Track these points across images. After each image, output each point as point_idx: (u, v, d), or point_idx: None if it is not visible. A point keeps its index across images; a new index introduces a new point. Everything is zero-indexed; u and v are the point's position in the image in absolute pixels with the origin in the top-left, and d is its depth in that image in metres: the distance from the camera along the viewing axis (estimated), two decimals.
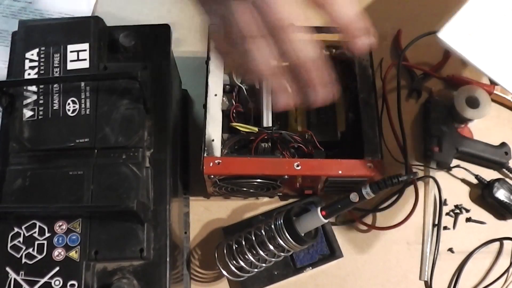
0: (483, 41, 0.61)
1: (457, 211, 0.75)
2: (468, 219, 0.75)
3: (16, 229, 0.53)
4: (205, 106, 0.66)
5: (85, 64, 0.59)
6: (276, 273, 0.69)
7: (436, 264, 0.72)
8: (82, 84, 0.58)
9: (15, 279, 0.51)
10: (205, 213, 0.74)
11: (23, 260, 0.52)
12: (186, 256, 0.71)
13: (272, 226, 0.61)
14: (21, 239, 0.52)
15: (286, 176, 0.63)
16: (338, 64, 0.74)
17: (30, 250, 0.52)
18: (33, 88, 0.58)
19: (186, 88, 0.81)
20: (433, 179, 0.75)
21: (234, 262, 0.64)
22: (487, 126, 0.80)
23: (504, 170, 0.77)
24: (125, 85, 0.58)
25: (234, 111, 0.70)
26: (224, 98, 0.68)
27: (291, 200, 0.75)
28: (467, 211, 0.76)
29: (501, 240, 0.74)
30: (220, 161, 0.62)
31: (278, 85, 0.44)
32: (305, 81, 0.44)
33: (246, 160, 0.64)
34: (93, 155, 0.56)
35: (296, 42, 0.43)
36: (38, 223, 0.53)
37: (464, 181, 0.78)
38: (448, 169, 0.77)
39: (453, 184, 0.77)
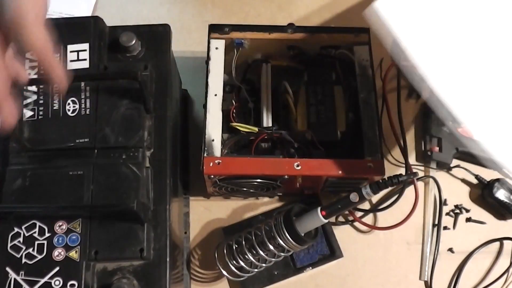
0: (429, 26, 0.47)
1: (457, 211, 0.75)
2: (468, 219, 0.75)
3: (16, 229, 0.53)
4: (205, 106, 0.66)
5: (85, 64, 0.59)
6: (276, 273, 0.69)
7: (436, 264, 0.72)
8: (82, 84, 0.58)
9: (15, 279, 0.51)
10: (205, 213, 0.74)
11: (23, 260, 0.52)
12: (186, 256, 0.71)
13: (272, 226, 0.61)
14: (21, 239, 0.52)
15: (286, 176, 0.63)
16: (338, 64, 0.74)
17: (30, 250, 0.52)
18: (33, 88, 0.58)
19: (186, 88, 0.81)
20: (433, 179, 0.75)
21: (234, 262, 0.64)
22: None
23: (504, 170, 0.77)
24: (125, 85, 0.58)
25: (234, 111, 0.70)
26: (224, 98, 0.68)
27: (291, 200, 0.75)
28: (467, 211, 0.76)
29: (501, 240, 0.74)
30: (220, 161, 0.62)
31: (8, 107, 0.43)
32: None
33: (246, 160, 0.64)
34: (93, 155, 0.56)
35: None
36: (38, 223, 0.53)
37: (464, 181, 0.78)
38: (448, 169, 0.77)
39: (453, 184, 0.77)
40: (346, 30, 0.72)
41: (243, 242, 0.64)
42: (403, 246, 0.73)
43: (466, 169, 0.77)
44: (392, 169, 0.76)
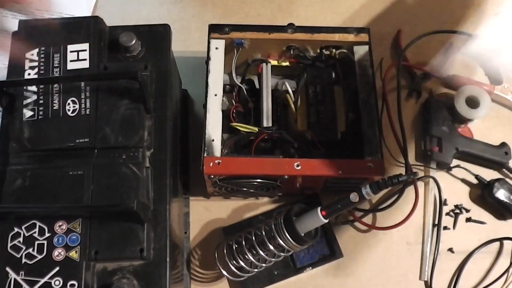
0: None
1: (457, 211, 0.75)
2: (468, 219, 0.75)
3: (16, 229, 0.53)
4: (205, 106, 0.66)
5: (85, 64, 0.59)
6: (276, 273, 0.69)
7: (436, 264, 0.72)
8: (82, 84, 0.58)
9: (15, 279, 0.51)
10: (205, 213, 0.74)
11: (23, 260, 0.52)
12: (186, 256, 0.71)
13: (272, 226, 0.61)
14: (21, 239, 0.52)
15: (286, 176, 0.63)
16: (338, 64, 0.74)
17: (30, 250, 0.52)
18: (33, 88, 0.58)
19: (186, 88, 0.81)
20: (433, 179, 0.75)
21: (234, 262, 0.64)
22: (487, 126, 0.80)
23: (504, 170, 0.77)
24: (125, 85, 0.58)
25: (234, 111, 0.70)
26: (224, 98, 0.68)
27: (291, 200, 0.75)
28: (467, 211, 0.76)
29: (501, 240, 0.74)
30: (220, 161, 0.62)
31: None
32: None
33: (246, 160, 0.64)
34: (93, 155, 0.56)
35: None
36: (38, 223, 0.53)
37: (464, 181, 0.78)
38: (448, 169, 0.77)
39: (453, 184, 0.77)
40: (346, 30, 0.72)
41: (243, 242, 0.64)
42: (403, 246, 0.73)
43: (466, 169, 0.77)
44: (392, 169, 0.76)
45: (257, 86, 0.74)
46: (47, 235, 0.52)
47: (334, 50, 0.74)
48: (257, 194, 0.72)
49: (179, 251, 0.66)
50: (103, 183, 0.54)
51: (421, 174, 0.77)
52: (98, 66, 0.59)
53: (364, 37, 0.72)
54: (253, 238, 0.63)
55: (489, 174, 0.77)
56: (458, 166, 0.77)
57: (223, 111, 0.67)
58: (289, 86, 0.72)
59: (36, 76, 0.58)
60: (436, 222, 0.74)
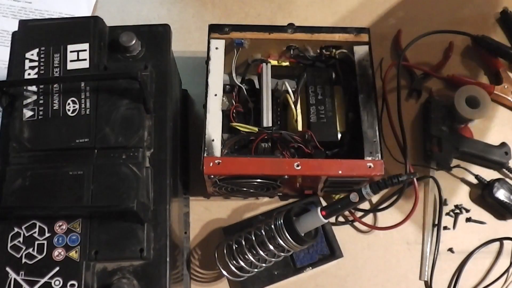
0: None
1: (457, 211, 0.75)
2: (468, 219, 0.75)
3: (16, 229, 0.53)
4: (205, 106, 0.66)
5: (85, 64, 0.59)
6: (276, 273, 0.69)
7: (436, 264, 0.72)
8: (82, 84, 0.58)
9: (15, 279, 0.51)
10: (205, 213, 0.74)
11: (23, 260, 0.52)
12: (186, 256, 0.71)
13: (272, 226, 0.61)
14: (21, 239, 0.52)
15: (286, 176, 0.63)
16: (338, 64, 0.74)
17: (30, 250, 0.52)
18: (33, 88, 0.58)
19: (186, 88, 0.81)
20: (433, 179, 0.75)
21: (234, 262, 0.64)
22: (487, 126, 0.80)
23: (504, 170, 0.77)
24: (125, 85, 0.58)
25: (234, 111, 0.70)
26: (224, 98, 0.68)
27: (291, 200, 0.75)
28: (467, 211, 0.76)
29: (501, 240, 0.74)
30: (220, 161, 0.62)
31: None
32: None
33: (246, 160, 0.64)
34: (93, 155, 0.56)
35: None
36: (38, 223, 0.53)
37: (464, 181, 0.78)
38: (448, 169, 0.77)
39: (453, 184, 0.77)
40: (346, 30, 0.72)
41: (243, 242, 0.64)
42: (403, 246, 0.73)
43: (466, 169, 0.77)
44: (392, 169, 0.76)
45: (257, 86, 0.74)
46: (47, 235, 0.52)
47: (334, 50, 0.74)
48: (257, 194, 0.72)
49: (179, 251, 0.66)
50: (103, 183, 0.54)
51: (421, 174, 0.77)
52: (98, 66, 0.59)
53: (364, 37, 0.72)
54: (253, 238, 0.63)
55: (489, 174, 0.77)
56: (458, 166, 0.77)
57: (223, 111, 0.67)
58: (289, 86, 0.72)
59: (36, 76, 0.58)
60: (436, 222, 0.74)
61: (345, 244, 0.72)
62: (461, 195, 0.77)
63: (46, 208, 0.54)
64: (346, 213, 0.74)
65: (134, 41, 0.60)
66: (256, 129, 0.68)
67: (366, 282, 0.72)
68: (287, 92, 0.72)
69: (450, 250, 0.73)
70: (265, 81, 0.72)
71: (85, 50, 0.60)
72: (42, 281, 0.51)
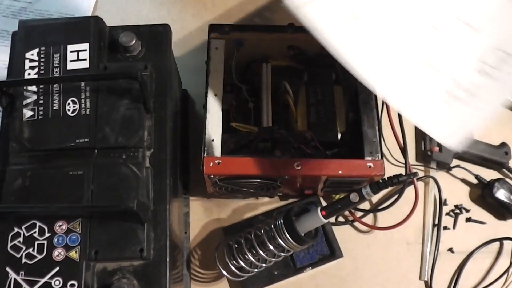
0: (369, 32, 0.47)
1: (457, 211, 0.75)
2: (468, 219, 0.75)
3: (16, 229, 0.53)
4: (205, 106, 0.66)
5: (85, 64, 0.59)
6: (276, 273, 0.69)
7: (436, 264, 0.72)
8: (82, 84, 0.58)
9: (15, 279, 0.51)
10: (205, 213, 0.74)
11: (23, 260, 0.52)
12: (186, 256, 0.71)
13: (272, 226, 0.61)
14: (21, 239, 0.52)
15: (286, 176, 0.63)
16: (338, 64, 0.74)
17: (30, 250, 0.52)
18: (33, 88, 0.58)
19: (186, 88, 0.81)
20: (433, 179, 0.75)
21: (234, 262, 0.64)
22: (487, 126, 0.80)
23: (504, 170, 0.77)
24: (125, 85, 0.58)
25: (234, 111, 0.70)
26: (224, 98, 0.68)
27: (291, 200, 0.75)
28: (467, 211, 0.76)
29: (501, 240, 0.74)
30: (220, 161, 0.62)
31: None
32: None
33: (246, 160, 0.64)
34: (93, 155, 0.56)
35: None
36: (38, 223, 0.53)
37: (464, 181, 0.78)
38: (448, 169, 0.77)
39: (453, 184, 0.77)
40: None
41: (243, 242, 0.64)
42: (403, 246, 0.73)
43: (466, 169, 0.77)
44: (392, 169, 0.76)
45: (257, 86, 0.74)
46: (47, 235, 0.52)
47: None
48: (257, 194, 0.72)
49: (179, 251, 0.66)
50: (103, 183, 0.54)
51: (421, 174, 0.77)
52: (98, 66, 0.59)
53: None
54: (253, 238, 0.63)
55: (489, 174, 0.77)
56: (458, 166, 0.77)
57: (223, 111, 0.67)
58: (289, 86, 0.72)
59: (36, 76, 0.58)
60: (436, 222, 0.74)
61: (345, 244, 0.72)
62: (461, 195, 0.77)
63: (46, 208, 0.54)
64: (346, 213, 0.74)
65: (134, 41, 0.60)
66: (256, 129, 0.68)
67: (366, 282, 0.72)
68: (287, 92, 0.72)
69: (450, 250, 0.73)
70: (265, 81, 0.72)
71: (85, 50, 0.60)
72: (42, 281, 0.51)
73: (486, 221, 0.75)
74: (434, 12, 0.53)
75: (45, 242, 0.52)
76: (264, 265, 0.64)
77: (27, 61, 0.59)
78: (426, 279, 0.72)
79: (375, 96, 0.69)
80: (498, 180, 0.75)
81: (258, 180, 0.64)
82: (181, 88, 0.78)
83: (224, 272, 0.65)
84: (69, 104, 0.57)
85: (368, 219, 0.75)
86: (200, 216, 0.74)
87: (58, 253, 0.52)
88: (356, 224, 0.74)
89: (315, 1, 0.47)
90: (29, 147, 0.56)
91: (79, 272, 0.51)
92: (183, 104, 0.79)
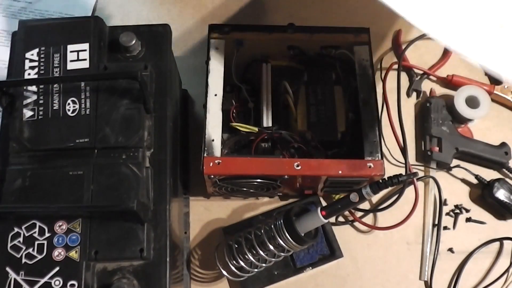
0: None
1: (457, 211, 0.75)
2: (468, 219, 0.75)
3: (16, 229, 0.53)
4: (205, 106, 0.66)
5: (85, 64, 0.59)
6: (276, 273, 0.69)
7: (436, 264, 0.72)
8: (82, 84, 0.58)
9: (15, 279, 0.51)
10: (205, 213, 0.74)
11: (23, 260, 0.52)
12: (186, 256, 0.71)
13: (272, 226, 0.61)
14: (21, 239, 0.52)
15: (286, 176, 0.63)
16: (338, 64, 0.74)
17: (30, 250, 0.52)
18: (33, 88, 0.58)
19: (186, 88, 0.81)
20: (433, 179, 0.75)
21: (234, 262, 0.64)
22: (487, 126, 0.80)
23: (504, 170, 0.77)
24: (125, 85, 0.58)
25: (234, 111, 0.70)
26: (224, 98, 0.68)
27: (291, 200, 0.75)
28: (467, 211, 0.76)
29: (501, 240, 0.74)
30: (220, 161, 0.62)
31: None
32: None
33: (246, 160, 0.64)
34: (93, 155, 0.56)
35: None
36: (38, 223, 0.53)
37: (464, 181, 0.78)
38: (448, 169, 0.77)
39: (453, 184, 0.77)
40: (346, 30, 0.72)
41: (243, 242, 0.64)
42: (403, 246, 0.73)
43: (466, 169, 0.77)
44: (392, 169, 0.76)
45: (257, 86, 0.74)
46: (47, 235, 0.52)
47: (334, 50, 0.74)
48: (257, 194, 0.72)
49: (179, 251, 0.66)
50: (103, 183, 0.54)
51: (421, 174, 0.77)
52: (98, 66, 0.59)
53: (364, 37, 0.72)
54: (253, 238, 0.63)
55: (489, 174, 0.77)
56: (458, 166, 0.77)
57: (223, 111, 0.67)
58: (289, 86, 0.72)
59: (36, 76, 0.58)
60: (436, 222, 0.74)
61: (345, 244, 0.72)
62: (461, 195, 0.77)
63: (46, 208, 0.54)
64: (346, 213, 0.74)
65: (134, 41, 0.60)
66: (256, 129, 0.68)
67: (366, 282, 0.72)
68: (287, 92, 0.72)
69: (450, 250, 0.73)
70: (265, 81, 0.72)
71: (85, 50, 0.60)
72: (42, 281, 0.51)
73: (486, 221, 0.75)
74: None
75: (45, 242, 0.52)
76: (264, 265, 0.64)
77: (27, 61, 0.59)
78: (426, 279, 0.72)
79: (375, 96, 0.69)
80: (498, 180, 0.74)
81: (258, 180, 0.64)
82: (181, 88, 0.78)
83: (224, 272, 0.65)
84: (69, 104, 0.57)
85: (368, 219, 0.75)
86: (200, 216, 0.74)
87: (58, 253, 0.52)
88: (356, 224, 0.74)
89: None
90: (29, 147, 0.56)
91: (79, 272, 0.51)
92: (183, 104, 0.79)
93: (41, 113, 0.57)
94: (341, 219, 0.75)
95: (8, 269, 0.51)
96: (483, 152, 0.77)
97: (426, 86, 0.83)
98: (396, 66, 0.81)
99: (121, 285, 0.51)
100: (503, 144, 0.78)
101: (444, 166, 0.77)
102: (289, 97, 0.72)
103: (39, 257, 0.52)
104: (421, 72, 0.84)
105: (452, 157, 0.76)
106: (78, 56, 0.59)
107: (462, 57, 0.48)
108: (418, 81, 0.83)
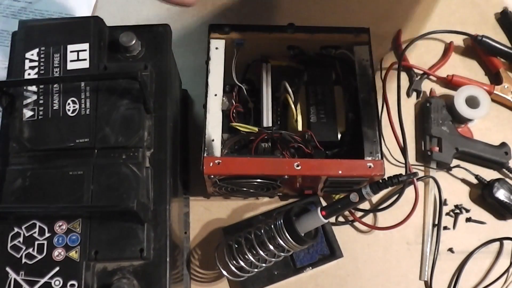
0: None
1: (457, 211, 0.75)
2: (468, 219, 0.75)
3: (16, 229, 0.53)
4: (205, 106, 0.66)
5: (85, 64, 0.59)
6: (276, 273, 0.69)
7: (436, 264, 0.72)
8: (82, 84, 0.58)
9: (15, 279, 0.51)
10: (205, 213, 0.74)
11: (23, 260, 0.52)
12: (186, 256, 0.71)
13: (272, 226, 0.61)
14: (21, 239, 0.52)
15: (286, 176, 0.63)
16: (338, 64, 0.74)
17: (30, 250, 0.52)
18: (33, 88, 0.58)
19: (186, 88, 0.81)
20: (433, 179, 0.75)
21: (234, 262, 0.64)
22: (487, 126, 0.80)
23: (504, 170, 0.77)
24: (125, 85, 0.58)
25: (234, 111, 0.70)
26: (224, 98, 0.68)
27: (291, 200, 0.75)
28: (467, 211, 0.76)
29: (501, 240, 0.74)
30: (220, 161, 0.62)
31: None
32: None
33: (246, 160, 0.64)
34: (93, 155, 0.56)
35: None
36: (38, 223, 0.53)
37: (464, 181, 0.78)
38: (448, 169, 0.77)
39: (453, 184, 0.77)
40: (346, 30, 0.72)
41: (243, 242, 0.64)
42: (403, 246, 0.73)
43: (466, 169, 0.77)
44: (392, 169, 0.76)
45: (257, 86, 0.74)
46: (47, 235, 0.52)
47: (334, 50, 0.74)
48: (257, 194, 0.72)
49: (179, 251, 0.66)
50: (103, 183, 0.54)
51: (421, 174, 0.77)
52: (98, 66, 0.59)
53: (364, 37, 0.72)
54: (253, 238, 0.63)
55: (489, 174, 0.77)
56: (458, 166, 0.77)
57: (223, 111, 0.67)
58: (289, 86, 0.72)
59: (36, 76, 0.58)
60: (436, 222, 0.74)
61: (345, 244, 0.72)
62: (461, 195, 0.77)
63: (46, 208, 0.54)
64: (346, 213, 0.74)
65: (134, 41, 0.60)
66: (256, 129, 0.68)
67: (366, 282, 0.72)
68: (287, 92, 0.72)
69: (450, 250, 0.73)
70: (265, 81, 0.72)
71: (85, 50, 0.60)
72: (42, 281, 0.51)
73: (486, 221, 0.75)
74: None
75: (45, 242, 0.52)
76: (264, 265, 0.64)
77: (27, 61, 0.59)
78: (426, 279, 0.72)
79: (375, 96, 0.69)
80: (498, 180, 0.74)
81: (258, 180, 0.64)
82: (181, 88, 0.78)
83: (224, 272, 0.65)
84: (69, 104, 0.57)
85: (368, 219, 0.75)
86: (200, 216, 0.74)
87: (58, 253, 0.52)
88: (356, 224, 0.74)
89: None
90: (29, 147, 0.56)
91: (79, 272, 0.51)
92: (183, 104, 0.79)
93: (41, 113, 0.57)
94: (341, 219, 0.75)
95: (8, 269, 0.51)
96: (483, 152, 0.77)
97: (426, 86, 0.83)
98: (396, 66, 0.81)
99: (121, 285, 0.51)
100: (503, 144, 0.78)
101: (444, 166, 0.77)
102: (289, 97, 0.72)
103: (39, 257, 0.52)
104: (421, 72, 0.84)
105: (452, 157, 0.76)
106: (78, 56, 0.59)
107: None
108: (418, 81, 0.83)
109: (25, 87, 0.58)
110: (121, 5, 0.89)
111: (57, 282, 0.51)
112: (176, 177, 0.62)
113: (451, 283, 0.72)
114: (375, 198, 0.76)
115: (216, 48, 0.70)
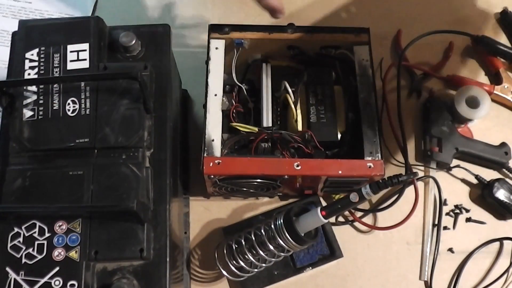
0: None
1: (457, 211, 0.75)
2: (468, 219, 0.75)
3: (16, 229, 0.53)
4: (205, 106, 0.66)
5: (85, 64, 0.59)
6: (276, 273, 0.69)
7: (436, 264, 0.72)
8: (82, 84, 0.58)
9: (15, 279, 0.51)
10: (205, 213, 0.74)
11: (23, 260, 0.52)
12: (186, 256, 0.71)
13: (272, 226, 0.61)
14: (21, 239, 0.52)
15: (286, 176, 0.63)
16: (338, 64, 0.74)
17: (30, 250, 0.52)
18: (33, 88, 0.58)
19: (186, 88, 0.81)
20: (433, 179, 0.75)
21: (234, 262, 0.64)
22: (487, 126, 0.80)
23: (504, 170, 0.77)
24: (125, 85, 0.58)
25: (234, 111, 0.70)
26: (224, 98, 0.68)
27: (291, 200, 0.75)
28: (467, 211, 0.76)
29: (501, 240, 0.74)
30: (220, 161, 0.62)
31: None
32: None
33: (246, 160, 0.64)
34: (93, 155, 0.56)
35: None
36: (38, 223, 0.53)
37: (464, 181, 0.78)
38: (448, 169, 0.77)
39: (453, 184, 0.77)
40: (346, 30, 0.72)
41: (243, 242, 0.64)
42: (403, 246, 0.73)
43: (466, 169, 0.77)
44: (392, 169, 0.76)
45: (257, 86, 0.74)
46: (47, 235, 0.52)
47: (334, 50, 0.74)
48: (257, 194, 0.72)
49: (179, 251, 0.66)
50: (103, 183, 0.54)
51: (421, 174, 0.77)
52: (98, 66, 0.59)
53: (364, 37, 0.72)
54: (253, 238, 0.63)
55: (489, 174, 0.77)
56: (458, 166, 0.77)
57: (223, 111, 0.67)
58: (289, 86, 0.72)
59: (36, 76, 0.58)
60: (436, 222, 0.74)
61: (345, 244, 0.72)
62: (461, 195, 0.77)
63: (46, 208, 0.54)
64: (346, 213, 0.74)
65: (134, 41, 0.60)
66: (256, 129, 0.68)
67: (366, 282, 0.72)
68: (287, 92, 0.72)
69: (450, 250, 0.73)
70: (265, 81, 0.72)
71: (85, 50, 0.60)
72: (42, 281, 0.51)
73: (486, 221, 0.75)
74: None
75: (45, 242, 0.52)
76: (264, 265, 0.64)
77: (27, 61, 0.59)
78: (426, 279, 0.72)
79: (375, 96, 0.69)
80: (498, 180, 0.75)
81: (258, 180, 0.64)
82: (181, 88, 0.78)
83: (224, 272, 0.65)
84: (69, 104, 0.57)
85: (368, 219, 0.75)
86: (200, 216, 0.74)
87: (58, 253, 0.52)
88: (356, 224, 0.74)
89: None
90: (29, 147, 0.56)
91: (79, 272, 0.51)
92: (183, 104, 0.79)
93: (41, 113, 0.57)
94: (341, 219, 0.75)
95: (8, 269, 0.51)
96: (483, 152, 0.77)
97: (426, 86, 0.83)
98: (396, 66, 0.81)
99: (121, 285, 0.51)
100: (503, 144, 0.78)
101: (444, 166, 0.77)
102: (289, 97, 0.72)
103: (39, 257, 0.52)
104: (421, 72, 0.84)
105: (452, 157, 0.76)
106: (78, 56, 0.59)
107: None
108: (418, 81, 0.83)
109: (25, 87, 0.58)
110: (121, 5, 0.89)
111: (57, 282, 0.51)
112: (176, 177, 0.62)
113: (451, 283, 0.72)
114: (375, 198, 0.76)
115: (216, 48, 0.70)
